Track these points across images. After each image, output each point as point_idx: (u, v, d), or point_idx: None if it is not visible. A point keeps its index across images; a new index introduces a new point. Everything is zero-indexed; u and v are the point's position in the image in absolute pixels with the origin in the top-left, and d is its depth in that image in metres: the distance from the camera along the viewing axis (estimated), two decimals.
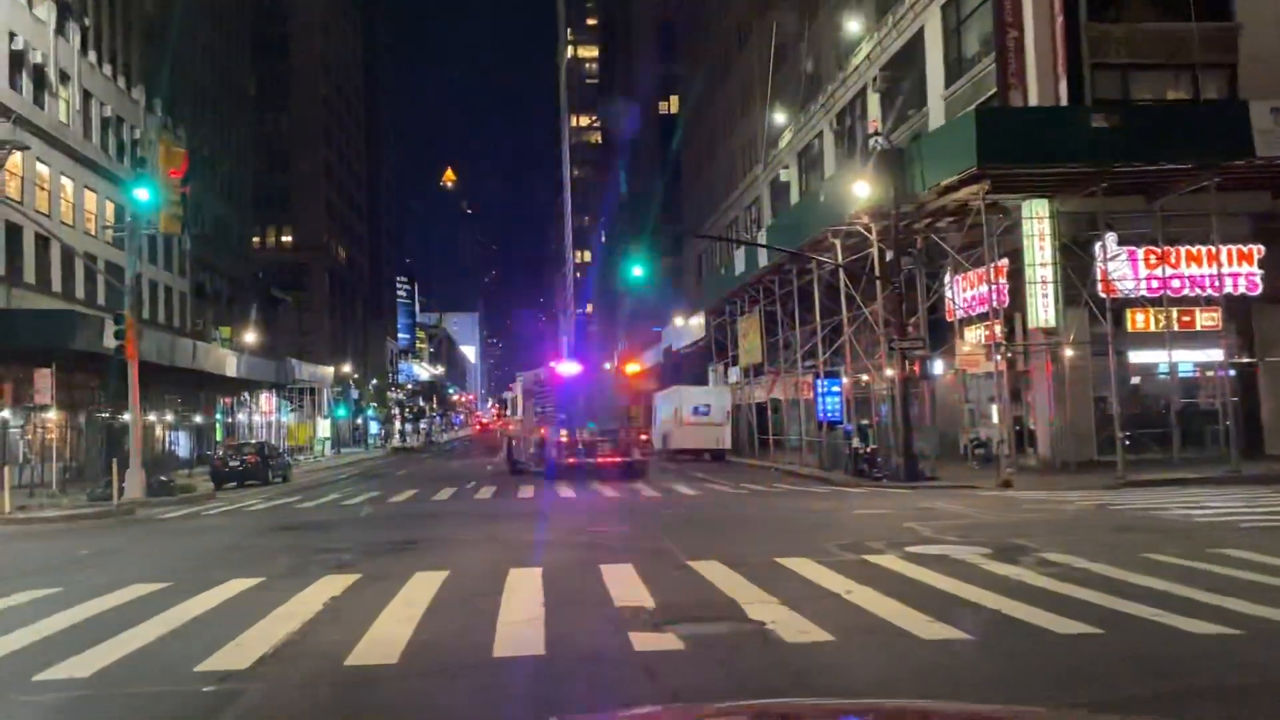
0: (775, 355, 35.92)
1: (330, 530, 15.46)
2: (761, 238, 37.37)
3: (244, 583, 9.74)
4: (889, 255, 24.79)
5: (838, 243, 27.07)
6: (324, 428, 68.45)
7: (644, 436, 28.28)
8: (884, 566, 9.87)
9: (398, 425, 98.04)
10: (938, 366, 27.46)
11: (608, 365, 32.85)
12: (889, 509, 16.17)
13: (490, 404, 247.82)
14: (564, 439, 27.58)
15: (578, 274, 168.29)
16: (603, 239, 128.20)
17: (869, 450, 24.87)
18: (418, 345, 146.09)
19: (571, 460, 27.28)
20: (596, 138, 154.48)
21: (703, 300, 49.28)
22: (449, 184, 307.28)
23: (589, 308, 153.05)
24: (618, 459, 27.40)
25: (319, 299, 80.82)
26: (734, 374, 42.56)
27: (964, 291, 25.43)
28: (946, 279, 26.17)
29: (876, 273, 25.15)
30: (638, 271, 26.76)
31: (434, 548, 12.51)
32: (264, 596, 8.91)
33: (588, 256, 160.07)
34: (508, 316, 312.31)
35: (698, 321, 49.73)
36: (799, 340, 32.13)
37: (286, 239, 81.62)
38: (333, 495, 24.85)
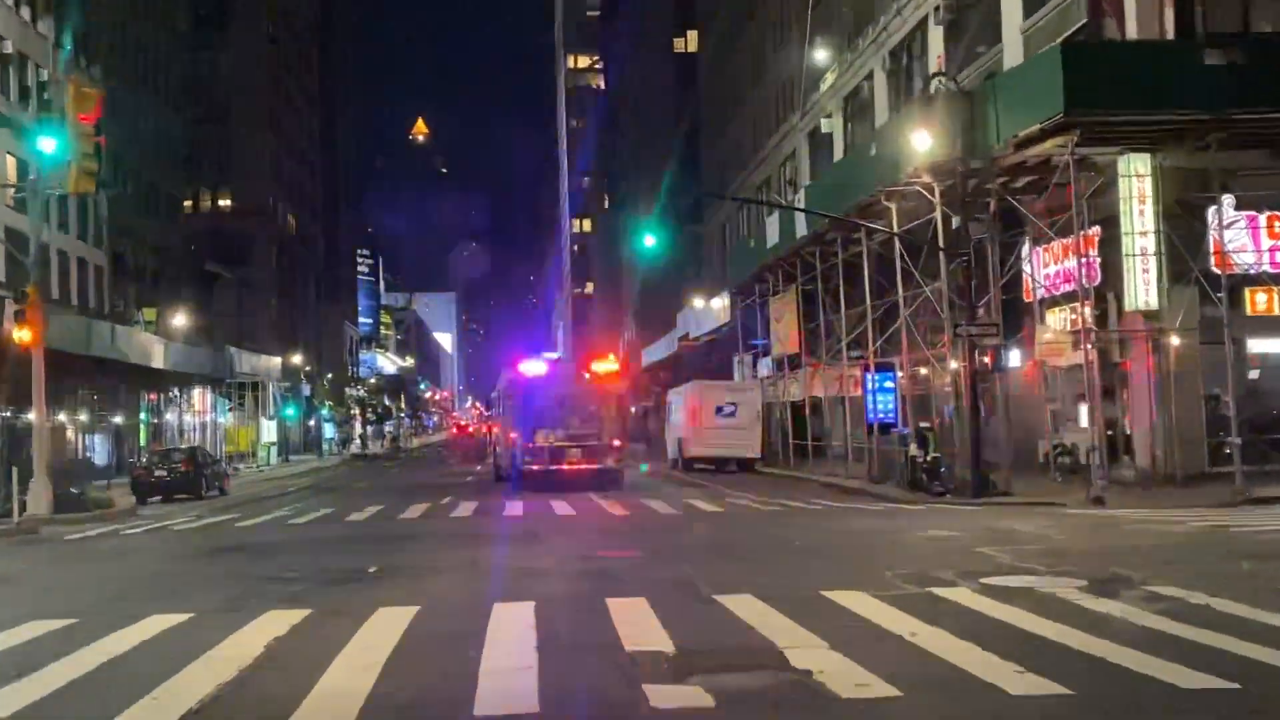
0: (816, 344, 35.69)
1: (275, 554, 15.30)
2: (799, 201, 37.12)
3: (167, 619, 9.57)
4: (955, 222, 24.47)
5: (892, 206, 26.80)
6: (269, 431, 68.58)
7: (617, 443, 29.96)
8: (956, 602, 9.64)
9: (358, 428, 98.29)
10: (1013, 358, 27.19)
11: (599, 364, 33.71)
12: (957, 530, 15.94)
13: (469, 403, 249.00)
14: (530, 444, 29.21)
15: (575, 247, 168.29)
16: (606, 204, 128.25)
17: (929, 459, 24.62)
18: (383, 332, 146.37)
19: (536, 467, 28.96)
20: (599, 81, 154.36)
21: (727, 278, 49.06)
22: (420, 138, 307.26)
23: (588, 287, 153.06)
24: (588, 466, 28.99)
25: (264, 275, 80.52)
26: (764, 366, 42.34)
27: (1046, 267, 25.13)
28: (1024, 251, 25.89)
29: (940, 243, 24.83)
30: (650, 241, 26.72)
31: (401, 576, 12.30)
32: (191, 637, 8.72)
33: (588, 226, 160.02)
34: (491, 297, 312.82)
35: (721, 304, 49.56)
36: (844, 326, 31.89)
37: (225, 203, 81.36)
38: (279, 512, 24.73)
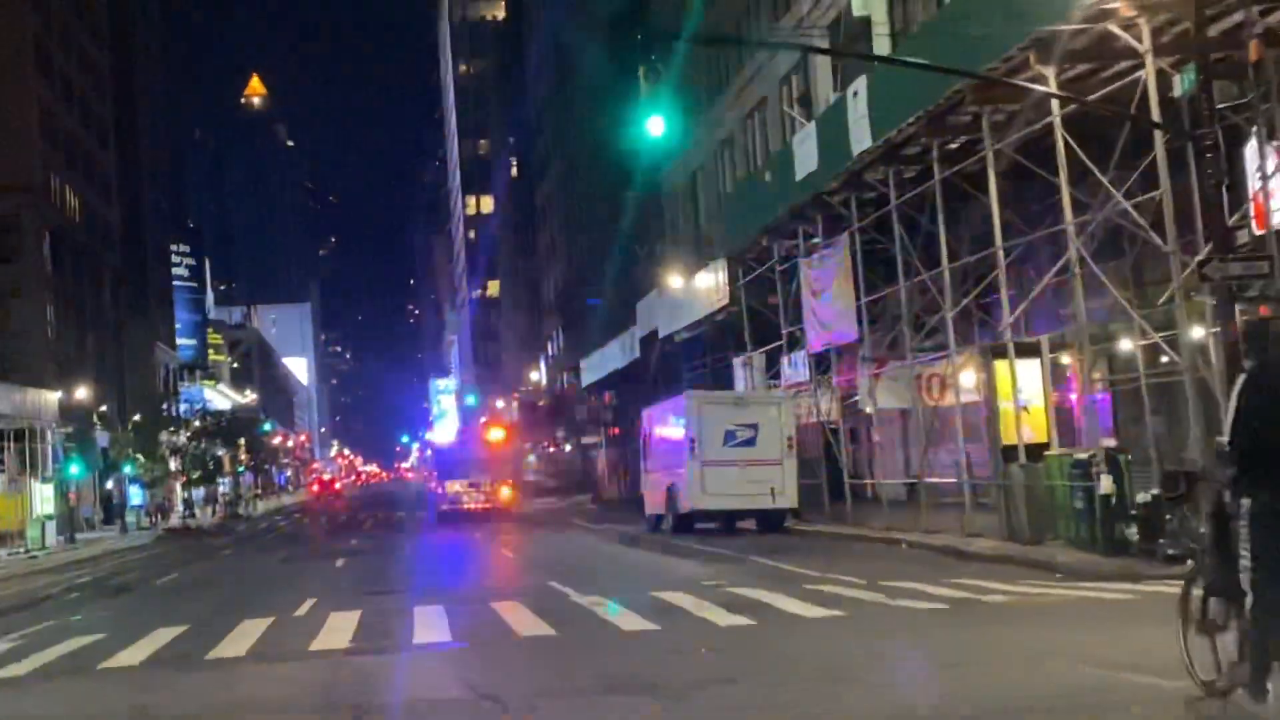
0: (887, 327, 30.10)
1: None
2: (826, 119, 31.13)
3: None
4: (1179, 84, 18.48)
5: (1048, 72, 20.77)
6: (45, 499, 61.35)
7: (505, 487, 53.47)
8: None
9: (179, 490, 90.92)
10: None
11: (492, 432, 59.05)
12: None
13: (334, 449, 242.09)
14: (441, 491, 53.08)
15: (470, 234, 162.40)
16: (514, 171, 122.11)
17: (1147, 505, 18.87)
18: (212, 357, 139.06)
19: (446, 508, 51.60)
20: (497, 11, 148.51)
21: (722, 242, 42.96)
22: (255, 101, 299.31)
23: (491, 287, 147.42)
24: (480, 506, 51.58)
25: (33, 275, 75.61)
26: (792, 368, 35.99)
27: None
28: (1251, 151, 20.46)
29: (1153, 117, 18.95)
30: (656, 128, 20.14)
31: None
32: None
33: (487, 205, 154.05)
34: (359, 308, 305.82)
35: (710, 282, 43.30)
36: (951, 287, 25.65)
37: None
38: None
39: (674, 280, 47.07)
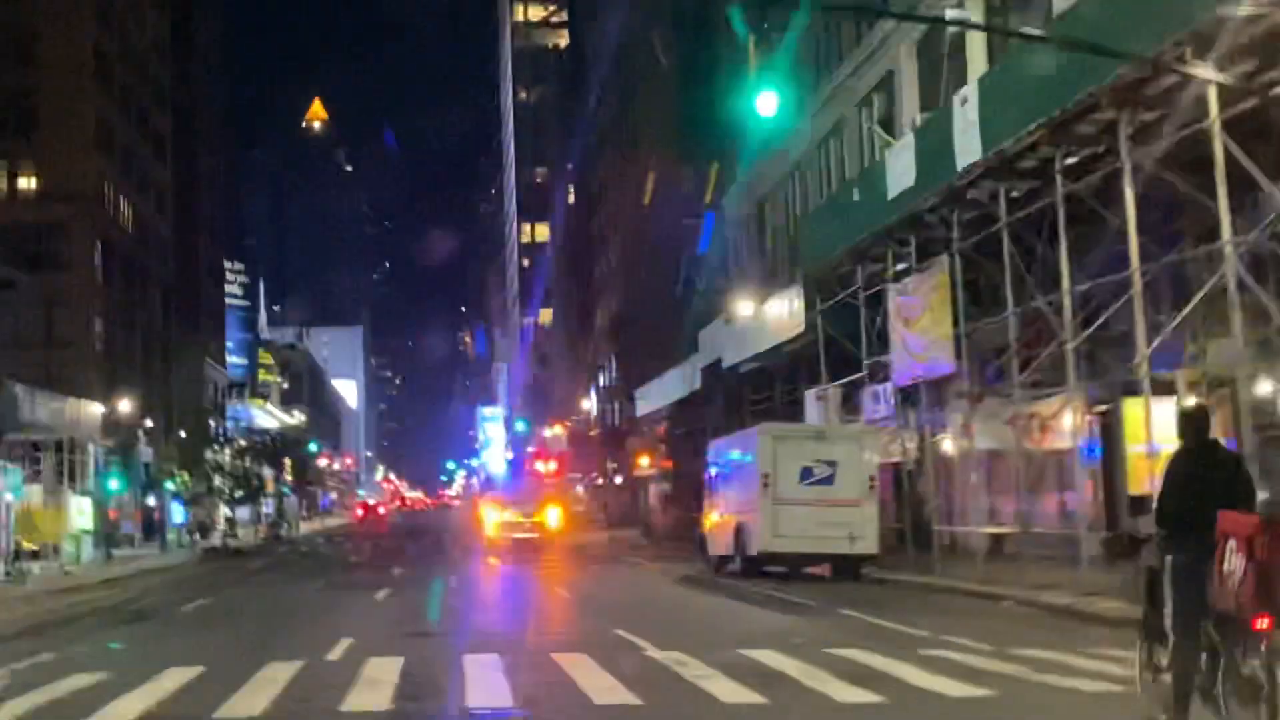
0: (982, 361, 27.81)
1: None
2: (912, 140, 28.66)
3: None
4: None
5: (1204, 71, 18.11)
6: (83, 512, 59.58)
7: (554, 516, 54.59)
8: None
9: (223, 509, 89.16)
10: None
11: (540, 464, 67.00)
12: None
13: (380, 474, 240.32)
14: (490, 519, 56.30)
15: (525, 261, 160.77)
16: (571, 198, 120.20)
17: None
18: (262, 376, 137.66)
19: (495, 536, 53.14)
20: (558, 39, 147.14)
21: (793, 269, 40.52)
22: (316, 126, 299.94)
23: (544, 315, 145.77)
24: (529, 536, 51.80)
25: (82, 285, 74.55)
26: (875, 401, 33.25)
27: None
28: None
29: None
30: (768, 106, 17.38)
31: None
32: None
33: (542, 233, 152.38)
34: (409, 333, 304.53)
35: (783, 309, 40.76)
36: (1072, 312, 22.93)
37: (27, 181, 76.69)
38: None
39: (743, 307, 44.48)
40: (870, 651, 15.22)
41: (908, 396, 31.10)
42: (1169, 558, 9.52)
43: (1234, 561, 8.77)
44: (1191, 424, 9.79)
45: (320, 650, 16.57)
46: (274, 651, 16.53)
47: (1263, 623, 8.53)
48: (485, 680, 13.61)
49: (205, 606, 27.34)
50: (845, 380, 35.72)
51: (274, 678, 13.95)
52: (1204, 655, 9.20)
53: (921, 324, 29.05)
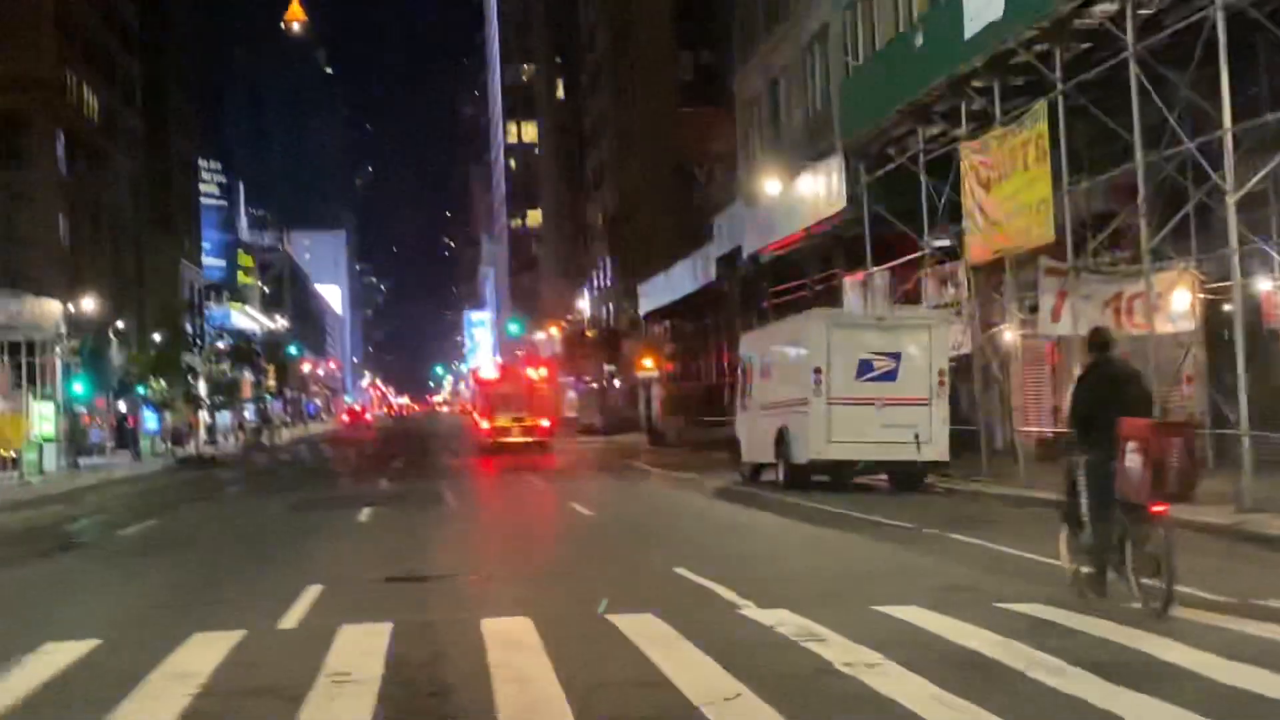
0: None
1: None
2: None
3: None
4: None
5: None
6: (45, 419, 55.53)
7: (545, 423, 52.29)
8: None
9: (203, 415, 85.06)
10: None
11: (532, 370, 56.26)
12: None
13: (367, 379, 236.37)
14: (487, 426, 53.51)
15: (510, 162, 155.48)
16: (560, 93, 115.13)
17: None
18: (241, 279, 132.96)
19: (491, 440, 51.61)
20: None
21: (836, 127, 35.68)
22: (295, 26, 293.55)
23: (530, 217, 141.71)
24: (524, 439, 50.79)
25: (44, 178, 71.58)
26: (943, 284, 28.35)
27: None
28: None
29: None
30: None
31: None
32: None
33: (530, 133, 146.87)
34: (395, 239, 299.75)
35: (818, 186, 35.83)
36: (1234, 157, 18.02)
37: None
38: None
39: (769, 186, 39.50)
40: (1063, 609, 10.43)
41: (991, 273, 26.26)
42: (1082, 456, 10.88)
43: (1133, 459, 9.98)
44: (1097, 341, 11.24)
45: (274, 608, 11.70)
46: (210, 609, 11.86)
47: (1159, 508, 9.94)
48: (522, 668, 8.64)
49: (150, 530, 22.61)
50: (896, 262, 30.84)
51: (189, 667, 8.96)
52: (1115, 536, 10.39)
53: (1007, 188, 24.08)
